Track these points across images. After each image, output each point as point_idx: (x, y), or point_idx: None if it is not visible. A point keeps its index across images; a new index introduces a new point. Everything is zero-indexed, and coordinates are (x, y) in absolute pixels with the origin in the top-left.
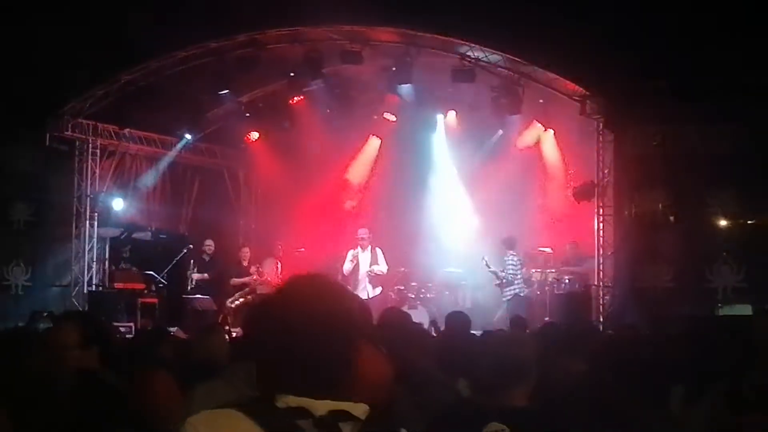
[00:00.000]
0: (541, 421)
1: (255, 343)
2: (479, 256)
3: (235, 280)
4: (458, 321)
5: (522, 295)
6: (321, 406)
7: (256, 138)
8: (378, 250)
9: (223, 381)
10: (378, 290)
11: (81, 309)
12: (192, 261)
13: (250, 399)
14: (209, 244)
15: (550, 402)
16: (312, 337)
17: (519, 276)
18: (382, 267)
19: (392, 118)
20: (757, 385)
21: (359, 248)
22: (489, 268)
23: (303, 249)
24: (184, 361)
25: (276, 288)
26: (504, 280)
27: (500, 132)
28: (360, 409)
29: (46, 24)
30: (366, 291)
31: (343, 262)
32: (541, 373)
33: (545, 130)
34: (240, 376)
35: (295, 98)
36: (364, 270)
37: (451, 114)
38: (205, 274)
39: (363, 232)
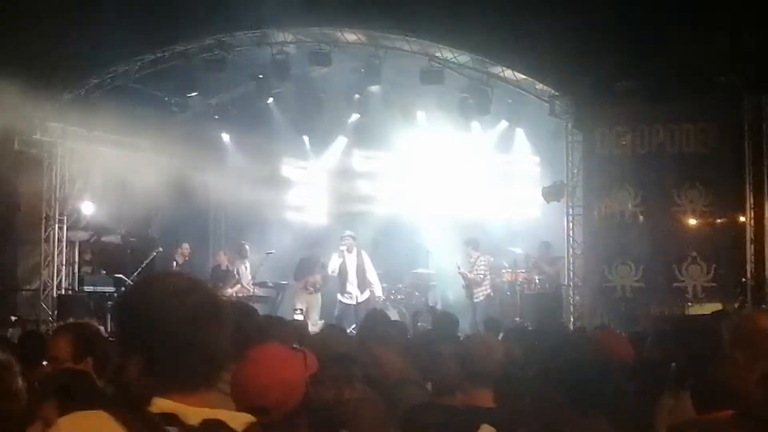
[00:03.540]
0: (512, 423)
1: (128, 338)
2: (449, 256)
3: (230, 290)
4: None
5: (492, 295)
6: (195, 414)
7: (226, 140)
8: (364, 253)
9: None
10: (366, 294)
11: (74, 320)
12: (165, 265)
13: (124, 401)
14: (186, 248)
15: (517, 404)
16: (183, 328)
17: (488, 276)
18: (375, 290)
19: (361, 119)
20: (722, 382)
21: (345, 250)
22: (459, 269)
23: (273, 251)
24: None
25: (135, 284)
26: (473, 282)
27: (470, 133)
28: (239, 420)
29: (13, 28)
30: (354, 295)
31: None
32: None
33: (514, 130)
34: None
35: (264, 100)
36: (352, 273)
37: (421, 115)
38: None
39: (348, 235)
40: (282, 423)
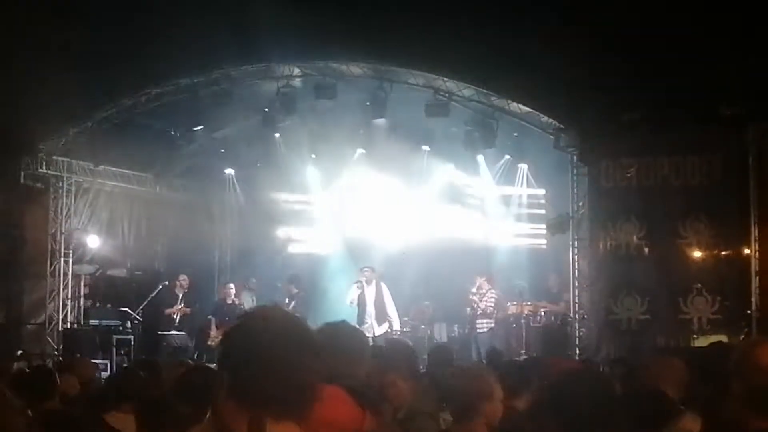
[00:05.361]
0: None
1: (236, 364)
2: (454, 290)
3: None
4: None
5: (495, 330)
6: None
7: (231, 173)
8: (383, 285)
9: None
10: (384, 327)
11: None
12: (168, 298)
13: None
14: (183, 279)
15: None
16: (289, 355)
17: (495, 312)
18: (393, 323)
19: (367, 152)
20: (731, 416)
21: (364, 282)
22: (472, 295)
23: (280, 284)
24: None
25: (246, 315)
26: (480, 311)
27: (475, 165)
28: None
29: (19, 61)
30: (372, 328)
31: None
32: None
33: (519, 163)
34: None
35: (270, 134)
36: (371, 305)
37: (426, 148)
38: (188, 309)
39: (368, 267)
40: None
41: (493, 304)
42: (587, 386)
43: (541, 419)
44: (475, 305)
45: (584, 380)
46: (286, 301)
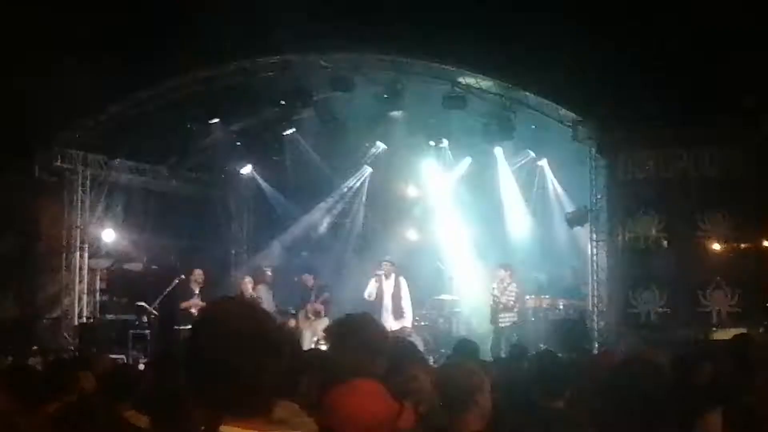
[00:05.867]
0: None
1: (192, 362)
2: (472, 282)
3: None
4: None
5: (518, 323)
6: None
7: (247, 166)
8: (402, 279)
9: None
10: (400, 322)
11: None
12: (184, 292)
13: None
14: (198, 274)
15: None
16: (249, 353)
17: (517, 304)
18: (407, 319)
19: (383, 145)
20: (753, 408)
21: (382, 276)
22: (494, 290)
23: (296, 278)
24: None
25: (204, 311)
26: (501, 305)
27: (493, 158)
28: None
29: (35, 54)
30: (388, 322)
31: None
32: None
33: (537, 156)
34: None
35: (286, 127)
36: (388, 299)
37: (444, 141)
38: (204, 304)
39: (387, 260)
40: None
41: (514, 298)
42: (640, 382)
43: (586, 416)
44: (497, 299)
45: (639, 376)
46: (311, 297)
